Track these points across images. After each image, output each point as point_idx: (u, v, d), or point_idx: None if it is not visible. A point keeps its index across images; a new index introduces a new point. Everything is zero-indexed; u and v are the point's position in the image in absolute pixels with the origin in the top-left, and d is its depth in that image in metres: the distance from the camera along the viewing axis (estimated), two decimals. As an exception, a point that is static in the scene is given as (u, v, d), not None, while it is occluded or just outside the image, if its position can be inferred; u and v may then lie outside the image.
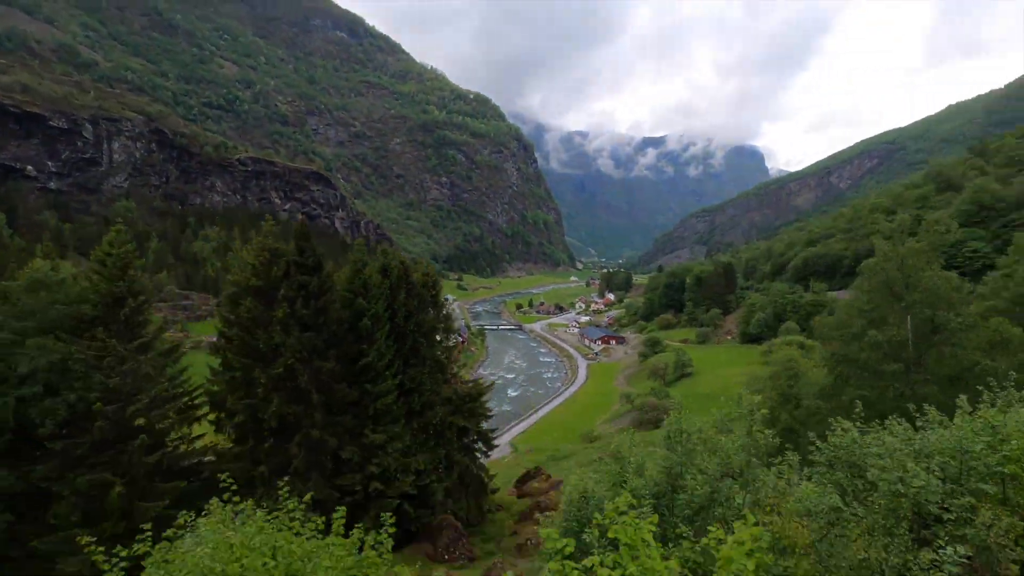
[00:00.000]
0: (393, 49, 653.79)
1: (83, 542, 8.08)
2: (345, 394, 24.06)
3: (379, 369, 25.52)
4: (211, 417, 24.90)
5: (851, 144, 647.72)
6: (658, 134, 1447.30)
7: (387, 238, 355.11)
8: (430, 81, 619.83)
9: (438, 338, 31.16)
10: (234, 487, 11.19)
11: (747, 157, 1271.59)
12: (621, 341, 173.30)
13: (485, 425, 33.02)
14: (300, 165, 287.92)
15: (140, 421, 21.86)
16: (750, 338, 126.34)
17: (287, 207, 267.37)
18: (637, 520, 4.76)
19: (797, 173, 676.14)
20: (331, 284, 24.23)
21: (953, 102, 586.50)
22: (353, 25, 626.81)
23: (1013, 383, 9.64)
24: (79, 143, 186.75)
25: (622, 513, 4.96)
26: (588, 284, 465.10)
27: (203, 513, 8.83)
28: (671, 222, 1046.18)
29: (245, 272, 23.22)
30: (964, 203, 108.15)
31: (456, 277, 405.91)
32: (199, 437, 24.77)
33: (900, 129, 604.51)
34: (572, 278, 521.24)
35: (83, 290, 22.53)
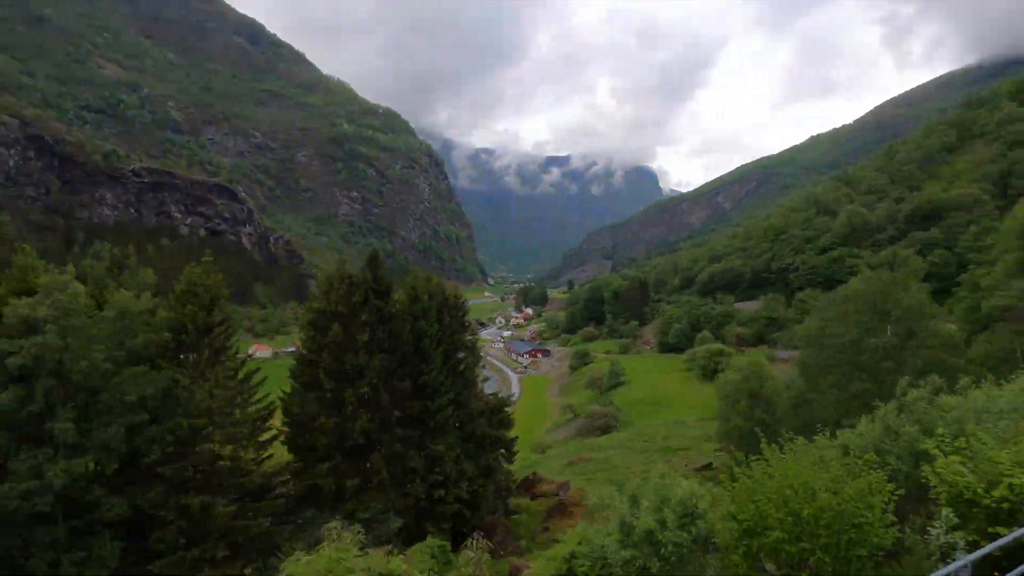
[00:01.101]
0: (297, 59, 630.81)
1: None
2: (412, 410, 26.46)
3: (436, 386, 28.17)
4: (278, 436, 26.19)
5: (731, 169, 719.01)
6: (562, 153, 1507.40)
7: (298, 255, 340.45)
8: (338, 93, 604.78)
9: (462, 355, 34.08)
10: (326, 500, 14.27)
11: (644, 177, 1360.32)
12: (547, 354, 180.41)
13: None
14: (203, 177, 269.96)
15: (230, 447, 22.92)
16: (669, 347, 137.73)
17: (188, 222, 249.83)
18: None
19: (689, 194, 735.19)
20: (399, 309, 26.58)
21: (813, 133, 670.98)
22: (253, 31, 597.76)
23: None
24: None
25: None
26: (503, 299, 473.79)
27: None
28: (577, 238, 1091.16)
29: (329, 299, 24.96)
30: (841, 225, 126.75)
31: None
32: (268, 457, 25.95)
33: (772, 156, 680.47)
34: (486, 293, 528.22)
35: (166, 319, 23.27)
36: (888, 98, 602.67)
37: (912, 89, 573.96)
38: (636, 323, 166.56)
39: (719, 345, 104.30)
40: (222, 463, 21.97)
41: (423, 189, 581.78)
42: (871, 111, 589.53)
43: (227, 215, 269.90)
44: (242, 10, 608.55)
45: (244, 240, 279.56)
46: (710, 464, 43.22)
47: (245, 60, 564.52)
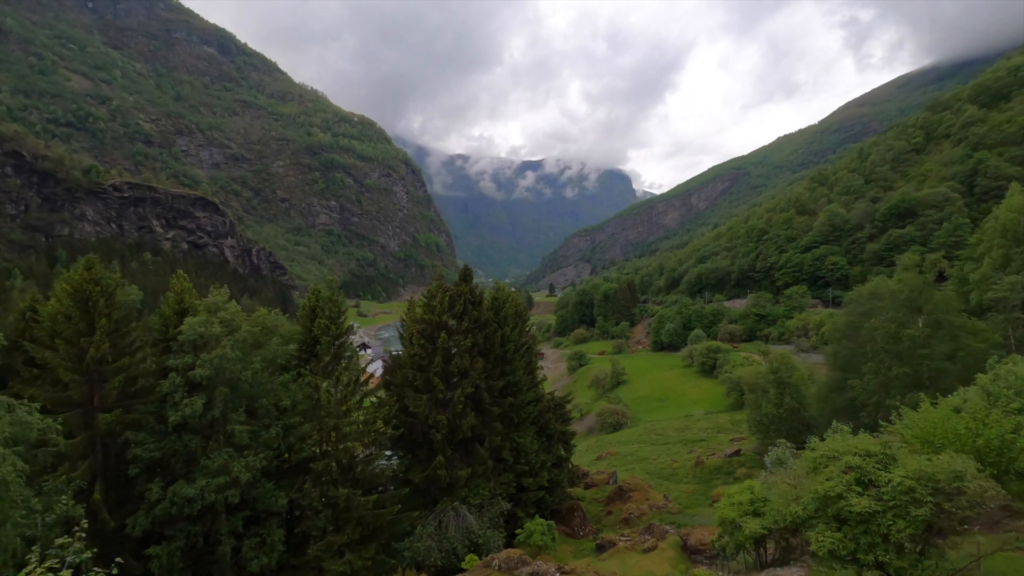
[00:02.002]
0: (269, 68, 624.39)
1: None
2: (503, 407, 29.58)
3: (520, 385, 31.35)
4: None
5: (703, 169, 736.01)
6: (536, 158, 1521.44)
7: (280, 266, 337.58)
8: (312, 103, 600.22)
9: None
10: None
11: (617, 180, 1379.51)
12: (541, 356, 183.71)
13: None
14: (184, 190, 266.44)
15: (358, 444, 25.67)
16: (662, 346, 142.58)
17: (170, 236, 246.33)
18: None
19: (664, 195, 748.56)
20: (490, 316, 29.68)
21: (779, 133, 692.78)
22: (223, 41, 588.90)
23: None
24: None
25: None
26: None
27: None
28: (553, 241, 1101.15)
29: (434, 311, 27.91)
30: (821, 225, 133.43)
31: (354, 303, 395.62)
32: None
33: (743, 157, 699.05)
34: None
35: (296, 330, 25.97)
36: (850, 99, 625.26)
37: (873, 90, 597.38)
38: (627, 324, 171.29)
39: (716, 342, 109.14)
40: (357, 458, 24.71)
41: (401, 197, 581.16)
42: (835, 111, 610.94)
43: (209, 228, 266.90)
44: (209, 19, 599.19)
45: (227, 252, 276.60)
46: (739, 451, 47.13)
47: (215, 70, 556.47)
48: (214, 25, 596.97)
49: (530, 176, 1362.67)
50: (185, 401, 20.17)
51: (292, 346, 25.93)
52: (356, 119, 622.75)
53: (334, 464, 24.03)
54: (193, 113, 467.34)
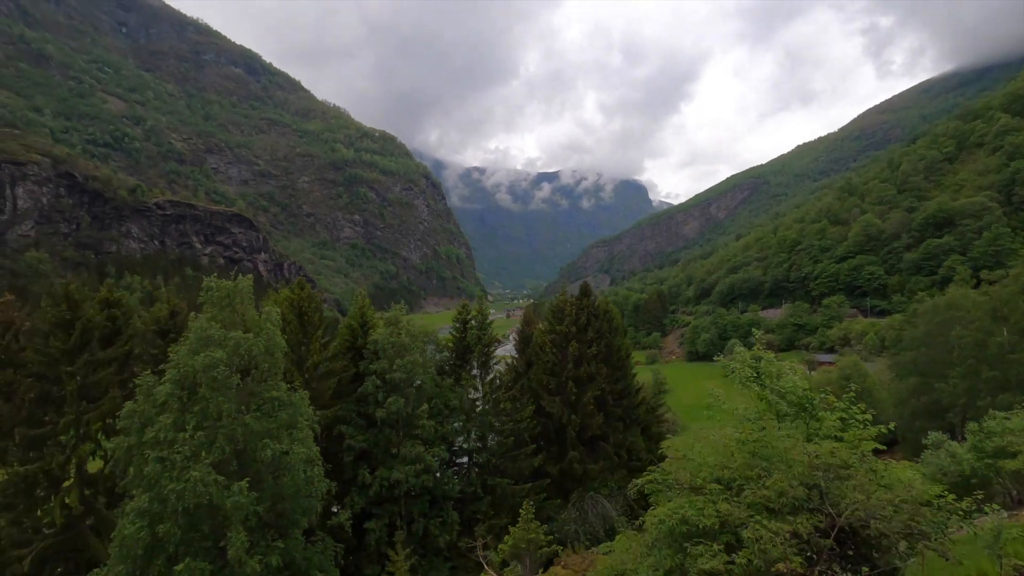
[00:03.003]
0: (293, 86, 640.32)
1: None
2: (622, 408, 32.99)
3: (632, 388, 34.72)
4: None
5: (719, 178, 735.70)
6: (552, 169, 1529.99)
7: (310, 279, 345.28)
8: (335, 119, 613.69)
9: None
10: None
11: (633, 190, 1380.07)
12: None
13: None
14: (221, 207, 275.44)
15: (510, 439, 29.24)
16: (698, 356, 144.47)
17: (208, 251, 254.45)
18: None
19: (682, 205, 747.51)
20: (606, 327, 33.22)
21: (796, 141, 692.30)
22: (249, 61, 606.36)
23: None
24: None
25: None
26: (508, 316, 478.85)
27: None
28: (570, 252, 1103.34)
29: (564, 322, 31.55)
30: (856, 235, 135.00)
31: (378, 315, 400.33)
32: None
33: (762, 166, 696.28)
34: (490, 310, 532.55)
35: (448, 339, 29.71)
36: (870, 106, 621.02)
37: (893, 96, 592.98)
38: (658, 334, 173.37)
39: (758, 351, 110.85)
40: (508, 452, 28.22)
41: (422, 210, 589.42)
42: (855, 119, 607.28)
43: (244, 243, 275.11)
44: (235, 40, 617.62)
45: (260, 267, 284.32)
46: (809, 452, 49.73)
47: (242, 89, 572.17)
48: (240, 46, 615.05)
49: (546, 187, 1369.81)
50: (389, 400, 23.85)
51: (445, 353, 29.65)
52: (377, 134, 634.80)
53: (492, 457, 27.56)
54: (222, 131, 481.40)
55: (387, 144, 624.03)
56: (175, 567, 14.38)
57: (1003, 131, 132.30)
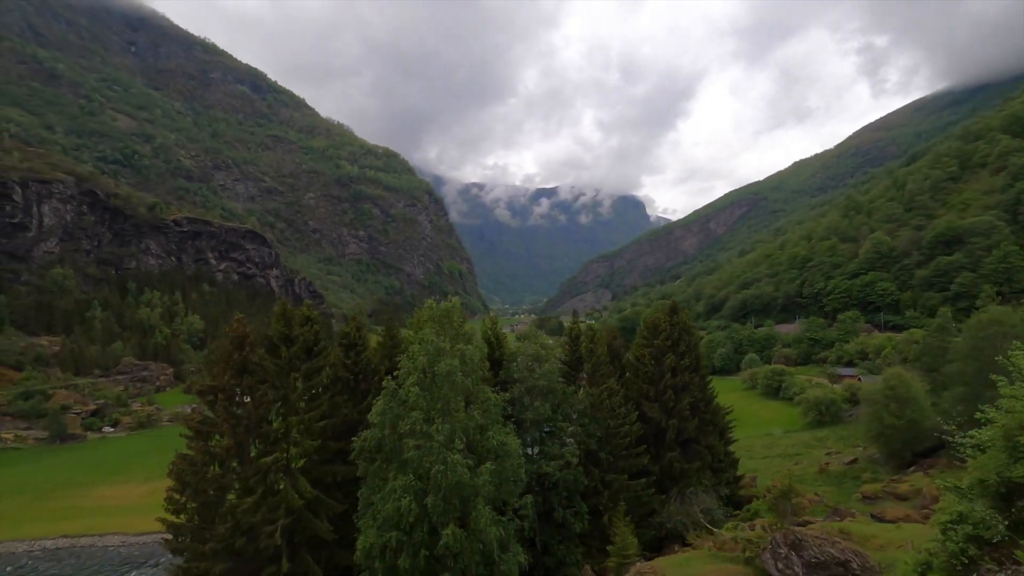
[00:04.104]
0: (297, 104, 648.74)
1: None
2: (710, 413, 36.78)
3: (709, 396, 38.48)
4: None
5: (716, 194, 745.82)
6: (550, 185, 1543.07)
7: (319, 295, 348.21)
8: (339, 136, 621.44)
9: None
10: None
11: (631, 206, 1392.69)
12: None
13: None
14: (236, 224, 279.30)
15: (624, 440, 32.90)
16: (714, 370, 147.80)
17: (223, 267, 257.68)
18: None
19: (681, 221, 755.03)
20: (692, 340, 37.11)
21: (792, 158, 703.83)
22: (255, 79, 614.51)
23: None
24: (7, 207, 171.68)
25: None
26: (512, 331, 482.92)
27: None
28: (568, 267, 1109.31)
29: (659, 338, 35.42)
30: (867, 252, 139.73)
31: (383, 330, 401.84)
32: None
33: (759, 182, 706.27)
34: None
35: (562, 350, 33.47)
36: (865, 123, 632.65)
37: (888, 114, 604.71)
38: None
39: (780, 366, 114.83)
40: (620, 451, 31.85)
41: (425, 226, 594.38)
42: (851, 136, 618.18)
43: (257, 259, 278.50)
44: (241, 58, 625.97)
45: (272, 283, 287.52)
46: (856, 460, 53.44)
47: (248, 107, 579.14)
48: (246, 65, 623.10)
49: (544, 203, 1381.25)
50: (536, 404, 27.52)
51: (560, 363, 33.41)
52: (381, 151, 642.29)
53: (609, 456, 31.20)
54: (229, 148, 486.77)
55: (390, 161, 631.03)
56: (443, 531, 17.98)
57: (1005, 152, 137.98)
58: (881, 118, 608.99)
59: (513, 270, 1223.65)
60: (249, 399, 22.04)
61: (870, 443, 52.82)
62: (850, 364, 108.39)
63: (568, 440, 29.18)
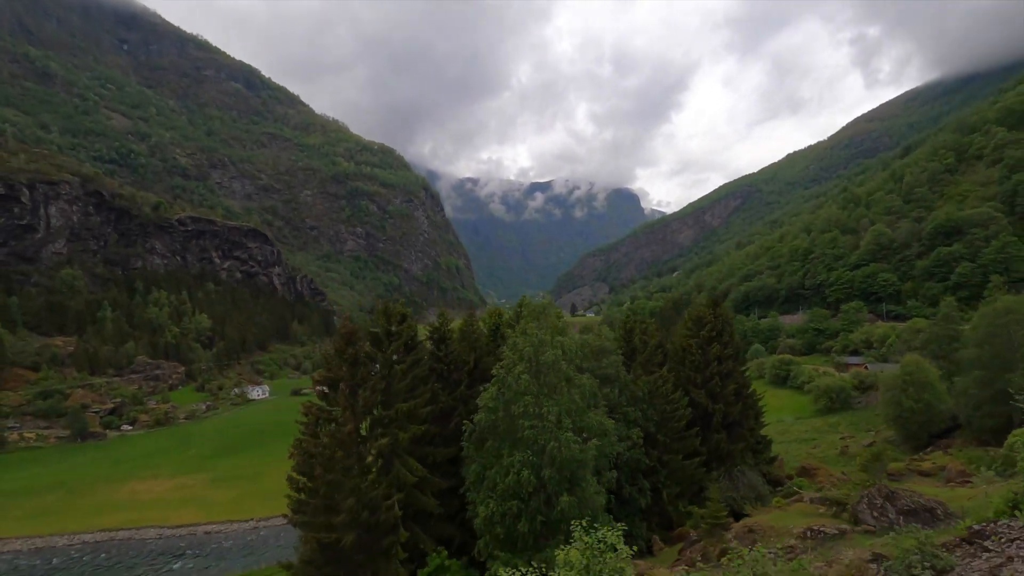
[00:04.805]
0: (292, 101, 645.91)
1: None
2: (751, 398, 39.69)
3: (747, 383, 41.32)
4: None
5: (710, 186, 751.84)
6: (545, 179, 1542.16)
7: (320, 292, 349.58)
8: (334, 133, 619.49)
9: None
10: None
11: (626, 199, 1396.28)
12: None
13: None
14: (238, 223, 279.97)
15: (680, 423, 35.68)
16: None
17: (226, 266, 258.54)
18: None
19: (676, 214, 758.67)
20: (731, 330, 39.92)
21: (786, 150, 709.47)
22: (249, 76, 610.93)
23: None
24: (15, 209, 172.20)
25: None
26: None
27: None
28: (564, 261, 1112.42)
29: (704, 329, 38.17)
30: (868, 244, 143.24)
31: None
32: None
33: (753, 174, 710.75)
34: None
35: (618, 344, 36.17)
36: (858, 114, 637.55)
37: (881, 105, 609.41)
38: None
39: (787, 356, 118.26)
40: (676, 434, 34.68)
41: (422, 222, 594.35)
42: (844, 127, 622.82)
43: (259, 257, 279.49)
44: (233, 55, 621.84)
45: (275, 280, 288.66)
46: (874, 442, 56.60)
47: (242, 104, 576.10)
48: (240, 61, 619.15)
49: (539, 197, 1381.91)
50: (605, 391, 30.21)
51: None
52: (376, 147, 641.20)
53: (666, 438, 33.99)
54: (224, 147, 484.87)
55: (386, 157, 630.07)
56: (559, 499, 20.66)
57: (1001, 144, 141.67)
58: (874, 109, 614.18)
59: (508, 264, 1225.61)
60: (362, 389, 24.54)
61: (888, 426, 55.94)
62: (855, 353, 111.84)
63: (632, 424, 31.90)
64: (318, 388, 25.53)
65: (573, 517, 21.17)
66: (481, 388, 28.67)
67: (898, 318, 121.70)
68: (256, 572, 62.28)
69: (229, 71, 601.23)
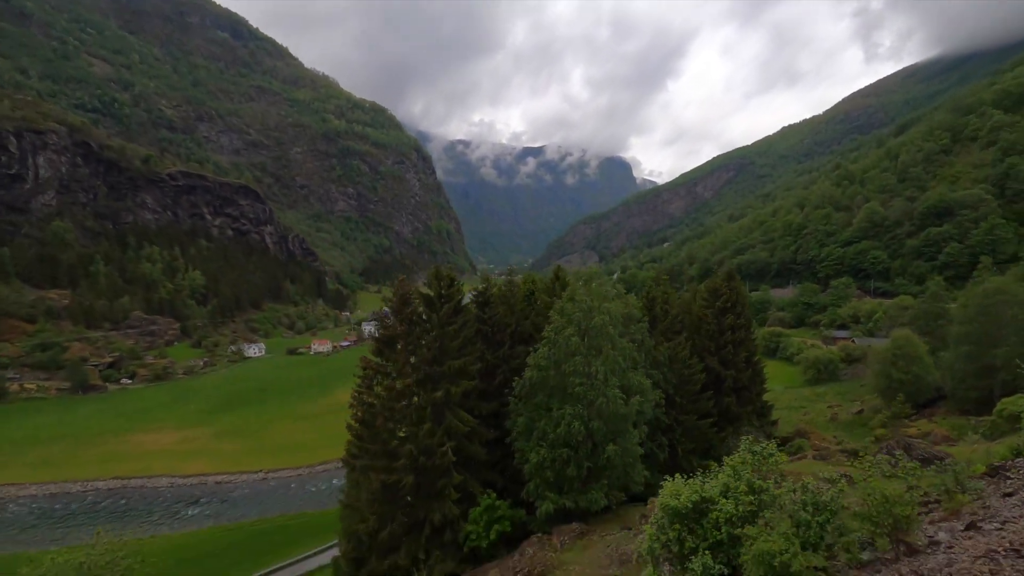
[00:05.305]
0: (280, 53, 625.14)
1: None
2: (758, 366, 42.47)
3: (755, 351, 44.01)
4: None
5: (703, 157, 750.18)
6: (537, 144, 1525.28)
7: (312, 252, 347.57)
8: (324, 88, 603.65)
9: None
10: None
11: (618, 167, 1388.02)
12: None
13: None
14: (230, 179, 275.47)
15: (696, 386, 38.30)
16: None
17: (218, 223, 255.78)
18: None
19: (669, 184, 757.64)
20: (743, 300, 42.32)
21: (781, 122, 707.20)
22: (235, 25, 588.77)
23: None
24: (3, 158, 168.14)
25: None
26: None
27: None
28: (554, 228, 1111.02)
29: (719, 300, 40.48)
30: (860, 221, 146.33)
31: (376, 289, 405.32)
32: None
33: (747, 146, 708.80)
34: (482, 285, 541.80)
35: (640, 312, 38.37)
36: (855, 89, 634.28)
37: (878, 80, 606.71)
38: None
39: (777, 328, 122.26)
40: (691, 396, 37.36)
41: (413, 184, 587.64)
42: (840, 102, 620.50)
43: (251, 215, 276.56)
44: (219, 2, 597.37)
45: (267, 239, 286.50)
46: (862, 411, 60.32)
47: (229, 55, 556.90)
48: (226, 9, 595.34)
49: (531, 162, 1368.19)
50: (632, 355, 32.58)
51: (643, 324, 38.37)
52: (368, 106, 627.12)
53: (682, 400, 36.60)
54: (211, 99, 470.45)
55: (377, 116, 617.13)
56: (606, 447, 23.04)
57: (996, 127, 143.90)
58: (871, 84, 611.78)
59: (499, 229, 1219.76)
60: (417, 347, 26.45)
61: (877, 395, 59.61)
62: (843, 327, 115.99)
63: (654, 385, 34.32)
64: (376, 343, 27.53)
65: (616, 465, 23.68)
66: (520, 348, 30.82)
67: (885, 295, 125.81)
68: (288, 516, 65.37)
69: (215, 19, 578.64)
